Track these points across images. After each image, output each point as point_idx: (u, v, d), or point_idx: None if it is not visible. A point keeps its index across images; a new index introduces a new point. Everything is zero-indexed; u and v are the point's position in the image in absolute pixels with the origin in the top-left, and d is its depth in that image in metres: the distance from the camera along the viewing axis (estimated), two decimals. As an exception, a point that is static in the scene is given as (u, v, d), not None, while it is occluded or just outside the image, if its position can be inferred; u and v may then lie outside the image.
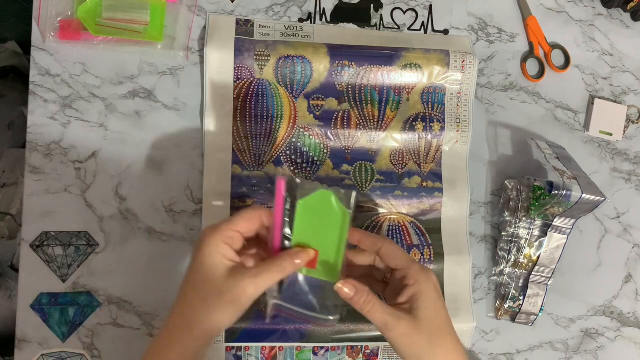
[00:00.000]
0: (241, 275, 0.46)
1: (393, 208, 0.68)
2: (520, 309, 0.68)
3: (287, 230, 0.49)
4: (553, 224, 0.66)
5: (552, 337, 0.71)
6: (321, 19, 0.70)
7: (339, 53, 0.67)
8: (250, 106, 0.66)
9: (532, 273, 0.68)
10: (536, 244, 0.68)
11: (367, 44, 0.68)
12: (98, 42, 0.63)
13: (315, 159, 0.67)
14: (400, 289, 0.51)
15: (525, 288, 0.68)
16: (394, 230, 0.67)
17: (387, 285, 0.55)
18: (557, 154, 0.68)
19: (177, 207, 0.65)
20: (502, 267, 0.69)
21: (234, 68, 0.65)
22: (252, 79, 0.66)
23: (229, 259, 0.47)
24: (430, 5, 0.73)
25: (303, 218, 0.49)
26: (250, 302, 0.46)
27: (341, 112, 0.68)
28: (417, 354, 0.49)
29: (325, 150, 0.67)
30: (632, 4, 0.75)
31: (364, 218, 0.67)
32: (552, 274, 0.68)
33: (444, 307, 0.51)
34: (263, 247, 0.52)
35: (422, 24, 0.72)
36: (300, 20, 0.70)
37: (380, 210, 0.68)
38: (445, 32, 0.73)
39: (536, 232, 0.68)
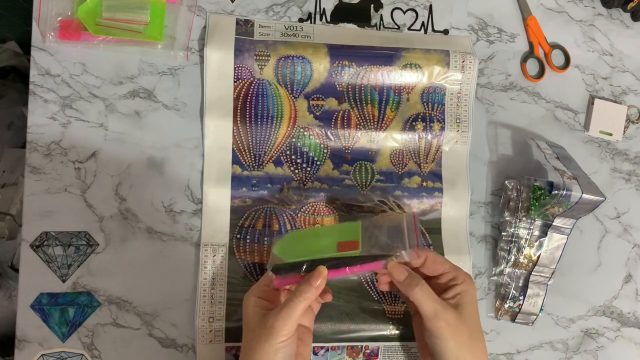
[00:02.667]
0: (268, 316, 0.52)
1: (393, 208, 0.68)
2: (520, 309, 0.68)
3: None
4: (553, 224, 0.66)
5: (552, 337, 0.71)
6: (321, 19, 0.70)
7: (339, 53, 0.67)
8: (250, 106, 0.66)
9: (532, 273, 0.68)
10: (536, 244, 0.68)
11: (367, 44, 0.68)
12: (98, 42, 0.64)
13: (315, 159, 0.67)
14: (445, 288, 0.55)
15: (525, 288, 0.68)
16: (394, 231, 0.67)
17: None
18: (557, 154, 0.68)
19: (177, 207, 0.65)
20: (502, 267, 0.69)
21: (234, 68, 0.65)
22: (252, 79, 0.66)
23: (262, 307, 0.54)
24: (430, 5, 0.73)
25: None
26: (286, 334, 0.51)
27: (341, 112, 0.68)
28: (459, 346, 0.52)
29: (325, 150, 0.68)
30: (632, 4, 0.75)
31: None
32: (552, 274, 0.68)
33: (477, 304, 0.56)
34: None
35: (422, 24, 0.72)
36: (300, 20, 0.70)
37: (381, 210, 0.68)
38: (445, 32, 0.73)
39: (536, 232, 0.68)
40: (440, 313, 0.52)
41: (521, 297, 0.68)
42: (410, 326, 0.62)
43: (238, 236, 0.64)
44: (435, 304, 0.52)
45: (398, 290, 0.57)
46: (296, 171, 0.67)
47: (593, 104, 0.75)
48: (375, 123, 0.68)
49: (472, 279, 0.56)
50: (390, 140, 0.69)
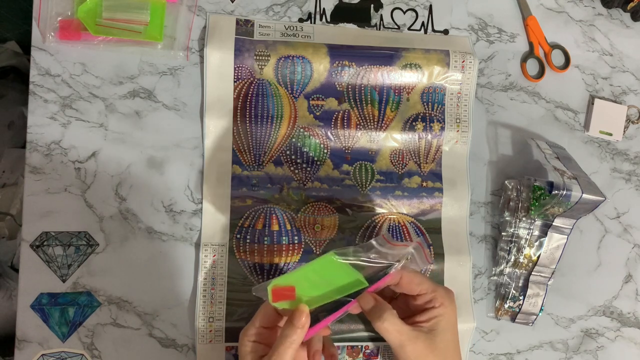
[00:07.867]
0: None
1: (393, 208, 0.68)
2: (520, 309, 0.68)
3: None
4: (553, 224, 0.66)
5: (552, 337, 0.71)
6: (321, 19, 0.70)
7: (339, 53, 0.67)
8: (250, 106, 0.66)
9: (532, 273, 0.68)
10: (536, 244, 0.68)
11: (367, 44, 0.68)
12: (98, 42, 0.64)
13: (315, 159, 0.67)
14: (421, 310, 0.51)
15: (525, 288, 0.68)
16: (394, 230, 0.67)
17: (394, 300, 0.55)
18: (557, 154, 0.68)
19: (177, 207, 0.65)
20: (502, 267, 0.69)
21: (234, 68, 0.65)
22: (252, 79, 0.66)
23: (258, 353, 0.51)
24: (430, 5, 0.73)
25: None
26: None
27: (341, 112, 0.68)
28: None
29: (325, 150, 0.68)
30: (632, 4, 0.75)
31: (364, 218, 0.67)
32: (552, 274, 0.68)
33: (457, 328, 0.52)
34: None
35: (422, 24, 0.72)
36: (300, 20, 0.70)
37: (380, 210, 0.68)
38: (445, 32, 0.73)
39: (536, 232, 0.68)
40: (405, 345, 0.49)
41: (521, 297, 0.68)
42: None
43: (238, 236, 0.64)
44: (400, 336, 0.49)
45: None
46: (296, 171, 0.67)
47: (593, 104, 0.75)
48: (375, 123, 0.68)
49: (452, 300, 0.52)
50: (390, 140, 0.68)
